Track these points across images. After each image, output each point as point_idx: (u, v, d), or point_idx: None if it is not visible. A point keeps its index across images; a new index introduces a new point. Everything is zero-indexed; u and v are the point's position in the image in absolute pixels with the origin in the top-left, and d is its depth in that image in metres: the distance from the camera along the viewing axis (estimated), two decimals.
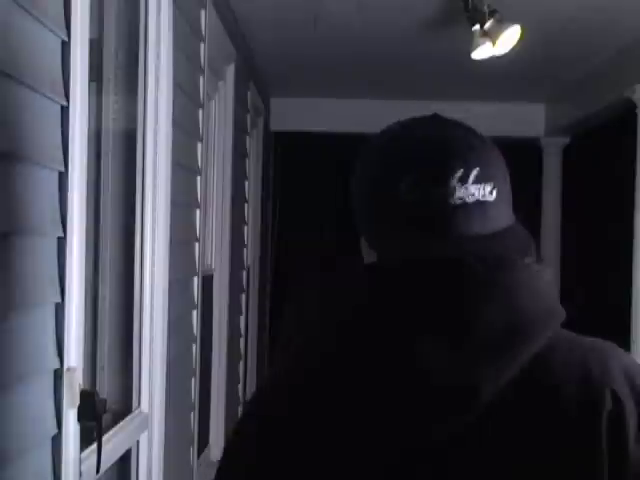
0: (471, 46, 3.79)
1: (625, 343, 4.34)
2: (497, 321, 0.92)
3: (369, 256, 1.07)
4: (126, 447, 2.35)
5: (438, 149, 1.01)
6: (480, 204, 0.98)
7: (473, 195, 0.98)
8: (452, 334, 0.91)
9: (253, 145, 5.34)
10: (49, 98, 1.59)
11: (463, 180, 0.98)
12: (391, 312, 0.93)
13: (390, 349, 0.92)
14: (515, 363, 0.92)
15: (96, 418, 1.73)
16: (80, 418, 1.71)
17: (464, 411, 0.91)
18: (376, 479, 0.92)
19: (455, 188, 0.97)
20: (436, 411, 0.90)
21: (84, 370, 1.80)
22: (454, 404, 0.90)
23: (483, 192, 0.99)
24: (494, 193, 1.00)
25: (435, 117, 1.12)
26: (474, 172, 0.99)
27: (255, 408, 1.03)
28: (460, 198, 0.97)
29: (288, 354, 1.03)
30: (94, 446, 1.82)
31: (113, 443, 2.15)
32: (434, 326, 0.92)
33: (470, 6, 3.68)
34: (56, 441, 1.63)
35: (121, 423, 2.31)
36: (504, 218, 1.01)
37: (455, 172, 0.98)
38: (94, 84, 2.13)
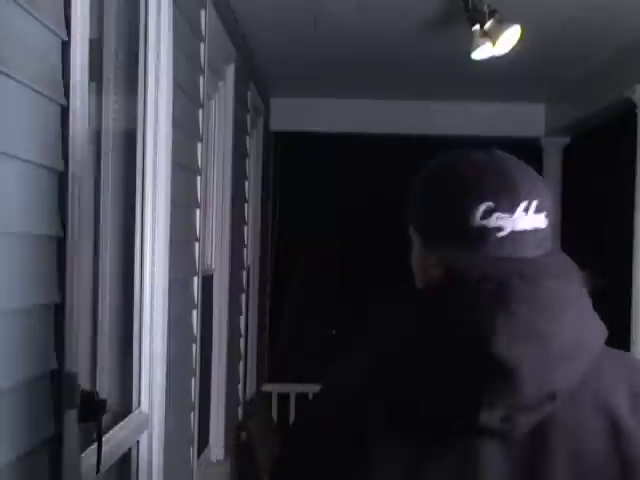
0: (471, 46, 3.79)
1: (625, 343, 4.34)
2: (569, 335, 1.12)
3: (427, 268, 1.25)
4: (126, 447, 2.35)
5: (509, 182, 1.20)
6: (535, 231, 1.19)
7: (532, 223, 1.19)
8: (539, 344, 1.11)
9: (253, 145, 5.34)
10: (49, 98, 1.59)
11: (527, 210, 1.19)
12: (488, 326, 1.11)
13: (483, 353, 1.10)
14: (580, 372, 1.13)
15: (96, 418, 1.73)
16: (80, 418, 1.71)
17: (543, 409, 1.11)
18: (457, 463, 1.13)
19: (520, 216, 1.18)
20: (524, 409, 1.10)
21: (84, 370, 1.80)
22: (539, 403, 1.11)
23: (540, 221, 1.20)
24: (546, 221, 1.21)
25: (497, 151, 1.29)
26: (534, 203, 1.19)
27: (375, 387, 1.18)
28: (523, 225, 1.18)
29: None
30: (94, 446, 1.82)
31: (113, 443, 2.15)
32: (526, 338, 1.11)
33: (470, 6, 3.68)
34: (56, 441, 1.63)
35: (121, 423, 2.31)
36: (550, 242, 1.23)
37: (521, 202, 1.18)
38: (94, 84, 2.13)
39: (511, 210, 1.18)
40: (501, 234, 1.18)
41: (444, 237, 1.22)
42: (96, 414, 1.73)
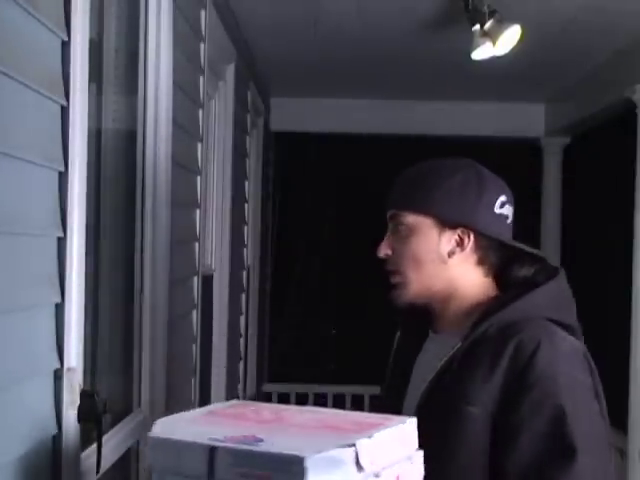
0: (471, 46, 3.79)
1: (625, 343, 4.34)
2: None
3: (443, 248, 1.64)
4: (126, 447, 2.35)
5: (505, 184, 1.68)
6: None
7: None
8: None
9: (253, 145, 5.34)
10: (49, 98, 1.59)
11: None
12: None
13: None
14: None
15: (96, 418, 1.73)
16: (80, 418, 1.70)
17: None
18: None
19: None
20: None
21: (84, 370, 1.80)
22: None
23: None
24: None
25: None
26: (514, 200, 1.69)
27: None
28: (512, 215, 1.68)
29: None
30: (94, 446, 1.82)
31: (113, 443, 2.15)
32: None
33: (470, 6, 3.68)
34: (56, 441, 1.63)
35: (121, 423, 2.31)
36: None
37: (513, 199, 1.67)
38: (94, 84, 2.13)
39: (512, 203, 1.65)
40: (509, 221, 1.65)
41: (482, 224, 1.62)
42: (96, 414, 1.72)
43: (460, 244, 1.62)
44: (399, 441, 1.25)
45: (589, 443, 1.46)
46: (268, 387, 6.46)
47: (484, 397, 1.50)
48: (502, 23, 3.68)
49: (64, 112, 1.65)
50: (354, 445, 1.14)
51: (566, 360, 1.52)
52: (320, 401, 6.44)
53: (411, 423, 1.30)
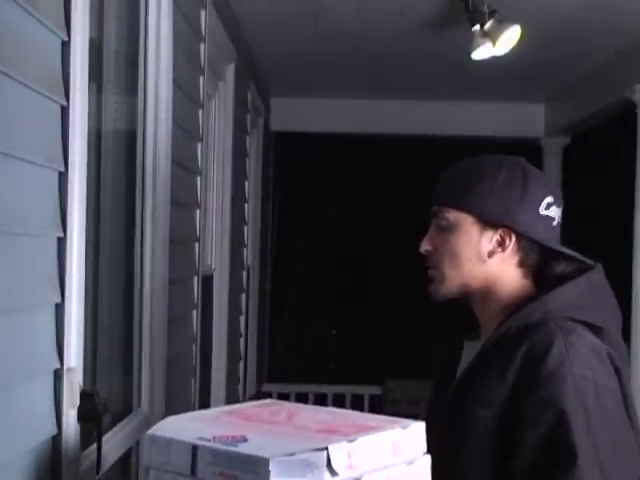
0: (471, 46, 3.79)
1: (625, 343, 4.33)
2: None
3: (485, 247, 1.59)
4: (126, 447, 2.35)
5: (555, 184, 1.71)
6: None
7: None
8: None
9: (253, 145, 5.34)
10: (49, 98, 1.59)
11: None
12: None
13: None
14: None
15: (96, 418, 1.73)
16: (80, 418, 1.70)
17: None
18: None
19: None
20: None
21: (84, 370, 1.80)
22: None
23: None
24: None
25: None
26: (562, 202, 1.63)
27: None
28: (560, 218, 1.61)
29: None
30: (94, 446, 1.82)
31: (113, 443, 2.15)
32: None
33: (470, 6, 3.68)
34: (56, 441, 1.63)
35: (121, 423, 2.31)
36: None
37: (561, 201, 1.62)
38: (94, 84, 2.13)
39: (559, 205, 1.61)
40: (555, 223, 1.60)
41: (523, 224, 1.57)
42: (96, 414, 1.72)
43: (501, 244, 1.58)
44: (394, 445, 1.25)
45: (595, 447, 1.42)
46: (268, 387, 6.46)
47: (495, 398, 1.48)
48: (502, 23, 3.68)
49: (64, 112, 1.65)
50: (326, 449, 1.15)
51: (581, 361, 1.46)
52: (320, 401, 6.44)
53: (416, 427, 1.30)
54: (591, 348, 1.50)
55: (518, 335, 1.50)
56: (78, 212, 1.69)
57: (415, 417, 1.40)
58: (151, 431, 1.27)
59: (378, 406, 6.45)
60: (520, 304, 1.55)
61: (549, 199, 1.57)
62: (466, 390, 1.53)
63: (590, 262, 1.62)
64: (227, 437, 1.19)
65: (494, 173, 1.58)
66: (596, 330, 1.54)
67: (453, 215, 1.59)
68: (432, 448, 1.32)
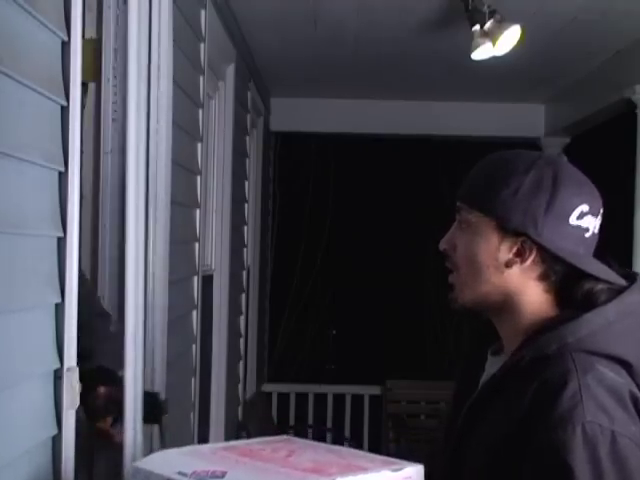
0: (471, 46, 3.79)
1: None
2: None
3: (516, 251, 1.42)
4: None
5: (595, 190, 1.44)
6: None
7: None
8: None
9: (253, 145, 5.34)
10: (49, 98, 1.59)
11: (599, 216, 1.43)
12: None
13: None
14: None
15: (158, 420, 1.74)
16: (145, 419, 1.71)
17: None
18: None
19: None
20: None
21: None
22: None
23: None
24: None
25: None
26: (601, 210, 1.43)
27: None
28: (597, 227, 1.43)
29: None
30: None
31: None
32: None
33: (470, 6, 3.68)
34: (56, 441, 1.63)
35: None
36: None
37: (601, 209, 1.43)
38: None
39: (596, 215, 1.42)
40: (589, 234, 1.41)
41: (550, 234, 1.39)
42: (159, 415, 1.73)
43: (520, 255, 1.41)
44: None
45: None
46: (268, 387, 6.46)
47: (498, 438, 1.34)
48: (502, 23, 3.68)
49: (64, 112, 1.65)
50: None
51: (596, 406, 1.27)
52: (320, 401, 6.45)
53: (410, 471, 1.29)
54: (611, 390, 1.30)
55: (532, 367, 1.35)
56: (78, 212, 1.69)
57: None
58: (136, 463, 1.33)
59: (378, 406, 6.46)
60: (541, 326, 1.41)
61: (584, 207, 1.39)
62: (473, 422, 1.42)
63: (628, 273, 1.46)
64: (207, 472, 1.24)
65: (521, 177, 1.40)
66: (625, 365, 1.35)
67: (474, 216, 1.45)
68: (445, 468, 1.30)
